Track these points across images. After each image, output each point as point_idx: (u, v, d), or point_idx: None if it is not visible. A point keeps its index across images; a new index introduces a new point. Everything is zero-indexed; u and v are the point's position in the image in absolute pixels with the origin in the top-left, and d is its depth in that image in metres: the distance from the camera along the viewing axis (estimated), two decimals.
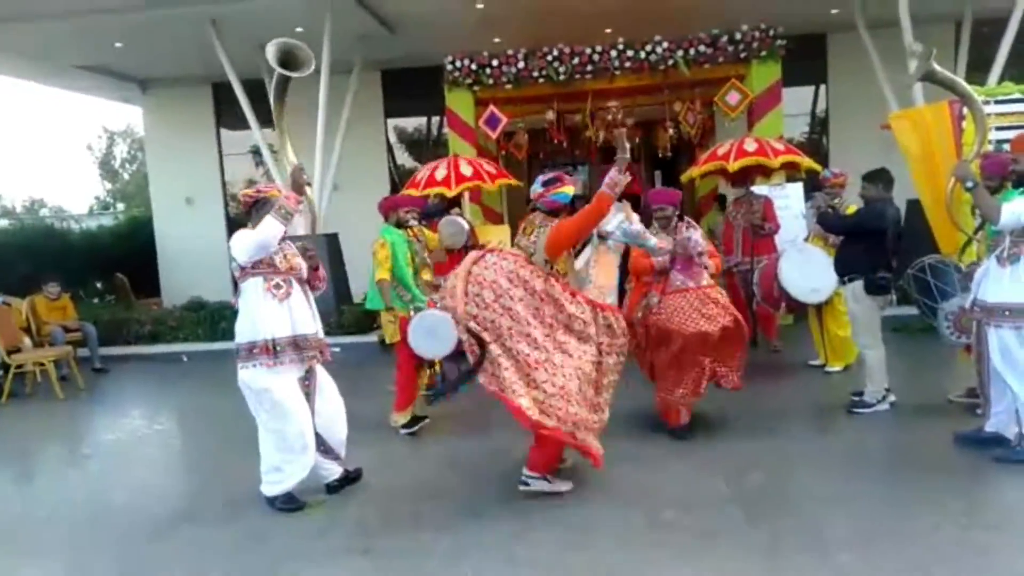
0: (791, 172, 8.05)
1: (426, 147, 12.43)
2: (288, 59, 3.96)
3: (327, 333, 4.45)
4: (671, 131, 9.98)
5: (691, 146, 11.38)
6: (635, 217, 4.34)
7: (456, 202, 8.45)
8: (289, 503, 4.13)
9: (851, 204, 5.95)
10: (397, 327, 5.30)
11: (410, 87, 11.47)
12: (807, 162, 7.61)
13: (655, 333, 4.94)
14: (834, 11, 9.56)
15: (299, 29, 9.19)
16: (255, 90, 9.89)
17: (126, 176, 35.32)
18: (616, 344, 4.06)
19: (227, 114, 11.94)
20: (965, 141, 6.64)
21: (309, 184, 4.11)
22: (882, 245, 5.05)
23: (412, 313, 5.19)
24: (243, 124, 10.28)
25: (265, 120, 10.05)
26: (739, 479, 4.23)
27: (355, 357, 8.11)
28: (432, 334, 5.08)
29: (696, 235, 4.93)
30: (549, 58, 8.96)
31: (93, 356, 8.66)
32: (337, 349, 6.60)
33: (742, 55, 8.81)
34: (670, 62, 8.87)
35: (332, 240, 9.60)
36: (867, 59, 9.18)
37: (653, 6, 8.80)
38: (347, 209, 9.81)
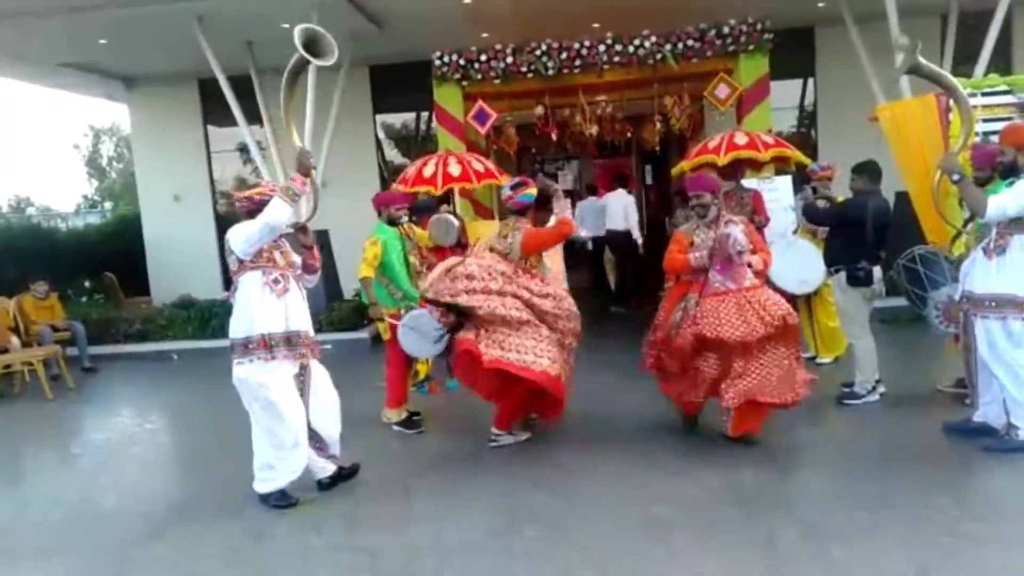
0: (780, 165, 8.07)
1: (415, 143, 12.39)
2: (312, 46, 3.91)
3: (317, 330, 4.43)
4: (660, 125, 9.98)
5: (680, 140, 11.39)
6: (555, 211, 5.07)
7: (447, 198, 8.43)
8: (281, 500, 4.13)
9: (841, 196, 5.98)
10: (387, 324, 5.29)
11: (398, 83, 11.43)
12: (797, 155, 7.63)
13: (693, 342, 4.46)
14: (821, 4, 9.57)
15: (285, 25, 9.13)
16: (242, 86, 9.83)
17: (113, 174, 35.06)
18: (573, 329, 4.76)
19: (214, 111, 11.85)
20: (952, 133, 6.67)
21: (314, 167, 4.08)
22: (862, 237, 5.10)
23: (403, 311, 5.21)
24: (230, 121, 10.20)
25: (252, 117, 10.00)
26: (731, 473, 4.24)
27: (345, 354, 8.09)
28: (419, 332, 5.10)
29: (736, 231, 4.39)
30: (537, 53, 8.93)
31: (82, 355, 8.61)
32: (328, 346, 6.60)
33: (730, 49, 8.81)
34: (658, 56, 8.86)
35: (322, 237, 9.56)
36: (854, 52, 9.21)
37: (641, 0, 8.79)
38: (336, 206, 9.75)
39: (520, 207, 4.84)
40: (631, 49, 8.84)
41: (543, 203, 5.07)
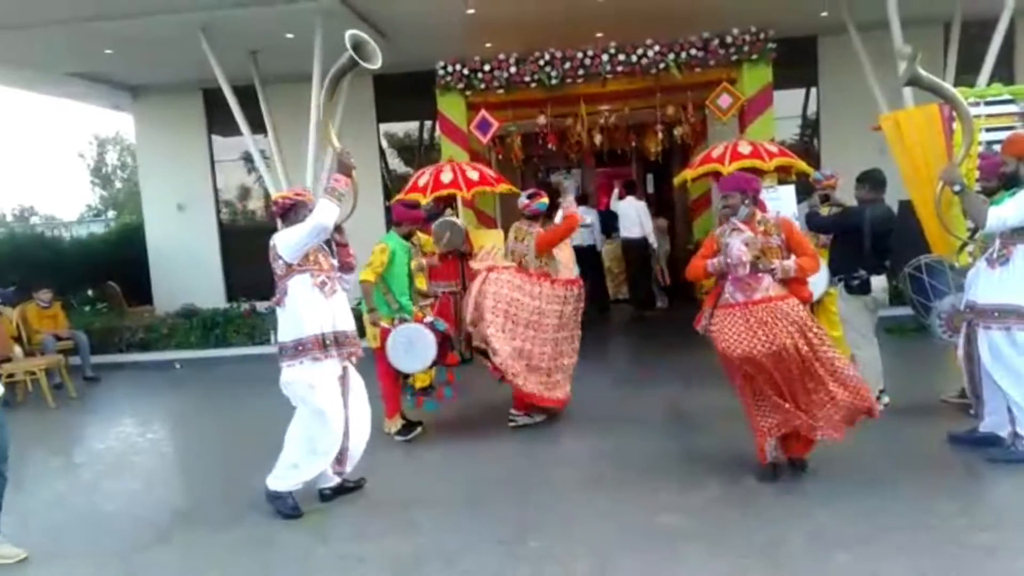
0: (782, 175, 8.08)
1: (418, 152, 12.42)
2: (358, 50, 3.96)
3: None
4: (662, 134, 10.00)
5: (683, 149, 11.41)
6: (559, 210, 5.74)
7: (450, 205, 8.46)
8: (292, 510, 4.12)
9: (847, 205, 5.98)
10: (378, 333, 5.28)
11: (402, 92, 11.45)
12: (800, 164, 7.64)
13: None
14: (824, 14, 9.58)
15: (290, 35, 9.18)
16: (246, 96, 9.86)
17: (118, 183, 35.18)
18: (579, 304, 5.60)
19: (218, 120, 11.88)
20: (955, 142, 6.66)
21: (355, 167, 4.12)
22: (861, 245, 5.10)
23: (396, 322, 5.20)
24: (234, 130, 10.22)
25: (256, 126, 10.03)
26: (736, 481, 4.23)
27: None
28: (410, 348, 5.11)
29: (737, 241, 4.01)
30: (541, 62, 8.97)
31: (85, 364, 8.61)
32: None
33: (733, 58, 8.84)
34: (662, 66, 8.89)
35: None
36: (857, 61, 9.21)
37: (644, 10, 8.81)
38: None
39: (535, 214, 5.61)
40: (634, 59, 8.87)
41: (550, 210, 5.79)
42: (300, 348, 4.01)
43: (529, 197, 5.65)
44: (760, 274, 4.00)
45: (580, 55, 8.91)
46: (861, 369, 5.26)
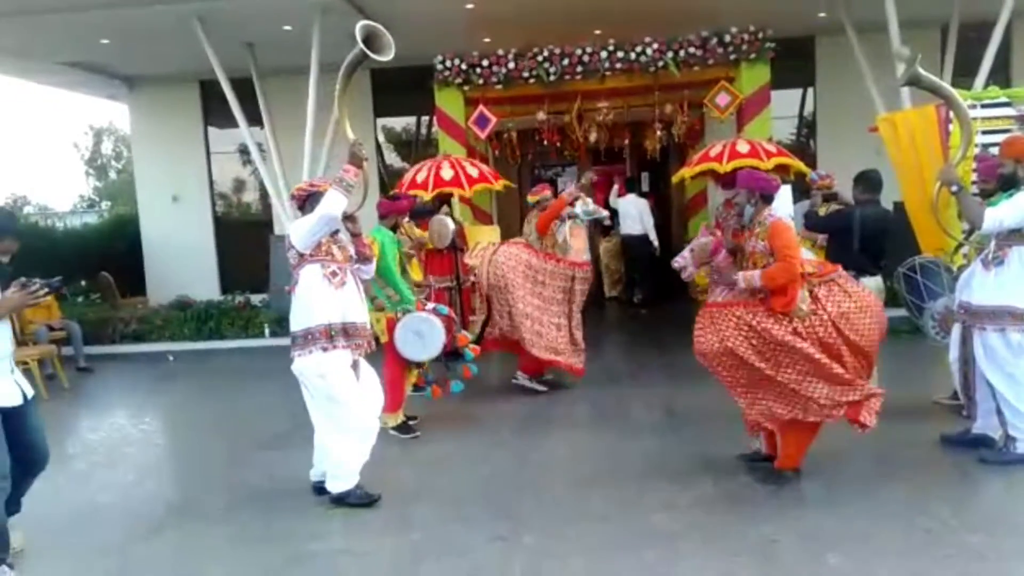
0: (779, 174, 8.08)
1: (416, 147, 12.40)
2: (370, 41, 3.93)
3: None
4: (660, 132, 10.01)
5: (680, 147, 11.42)
6: (579, 202, 6.45)
7: (446, 201, 8.44)
8: (363, 499, 4.12)
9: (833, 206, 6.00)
10: (384, 327, 5.28)
11: (400, 86, 11.43)
12: (798, 164, 7.65)
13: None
14: (822, 14, 9.60)
15: (287, 28, 9.14)
16: (243, 88, 9.82)
17: (112, 174, 35.02)
18: (585, 286, 6.41)
19: (214, 112, 11.84)
20: (952, 144, 6.68)
21: (366, 158, 4.12)
22: (848, 247, 5.11)
23: (400, 314, 5.20)
24: (230, 122, 10.19)
25: (253, 118, 10.00)
26: (729, 481, 4.24)
27: None
28: (419, 337, 5.12)
29: (698, 243, 4.32)
30: (539, 59, 8.96)
31: (78, 355, 8.57)
32: None
33: (731, 57, 8.85)
34: (660, 63, 8.89)
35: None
36: (854, 62, 9.23)
37: (643, 7, 8.81)
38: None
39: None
40: (633, 56, 8.88)
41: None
42: (309, 337, 3.99)
43: (532, 191, 6.73)
44: (725, 280, 4.04)
45: (579, 52, 8.90)
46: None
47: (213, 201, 12.59)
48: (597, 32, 9.39)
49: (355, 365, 4.15)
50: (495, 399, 6.39)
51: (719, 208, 7.74)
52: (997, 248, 4.20)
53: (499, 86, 9.08)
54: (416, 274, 5.84)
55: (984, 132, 6.59)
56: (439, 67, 9.11)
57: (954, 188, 4.34)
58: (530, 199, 6.69)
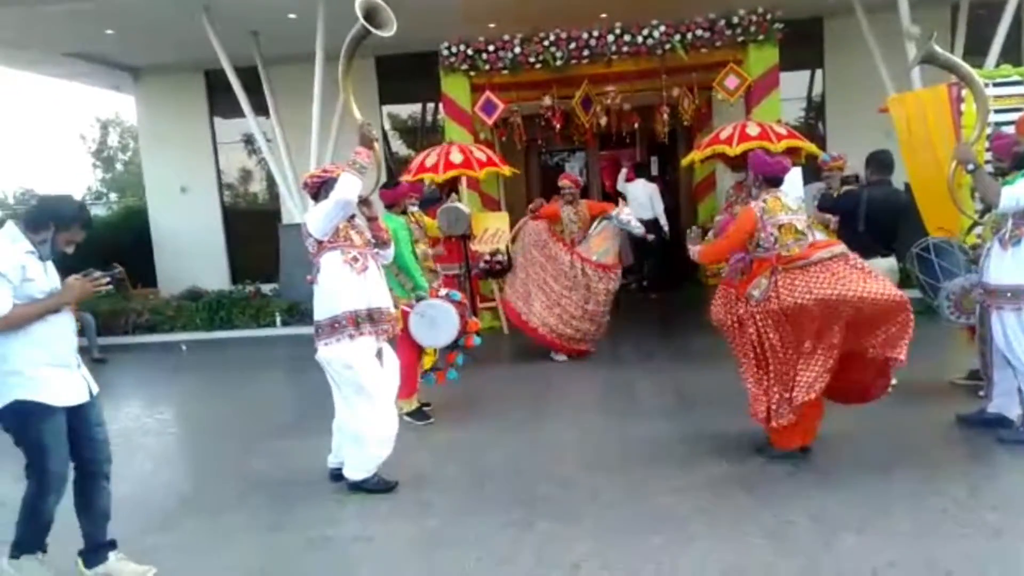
0: (790, 157, 8.03)
1: (421, 134, 12.37)
2: (371, 17, 3.91)
3: None
4: (668, 116, 9.93)
5: (688, 131, 11.34)
6: (627, 210, 6.88)
7: (454, 189, 8.43)
8: (380, 485, 4.13)
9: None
10: (398, 314, 5.27)
11: (405, 73, 11.40)
12: (809, 146, 7.60)
13: None
14: None
15: (292, 15, 9.11)
16: (249, 77, 9.81)
17: (119, 166, 35.07)
18: (605, 281, 6.79)
19: (221, 102, 11.84)
20: (965, 124, 6.61)
21: (377, 139, 4.09)
22: (854, 227, 5.11)
23: (414, 301, 5.20)
24: (236, 112, 10.20)
25: (259, 108, 9.99)
26: (741, 462, 4.24)
27: None
28: (433, 324, 5.13)
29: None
30: (546, 43, 8.89)
31: (92, 346, 8.61)
32: None
33: (739, 39, 8.76)
34: (667, 46, 8.81)
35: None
36: (863, 43, 9.15)
37: None
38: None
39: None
40: (640, 39, 8.80)
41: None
42: (335, 325, 3.95)
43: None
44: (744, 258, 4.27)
45: (585, 35, 8.83)
46: None
47: (221, 192, 12.62)
48: (603, 16, 9.32)
49: (379, 353, 4.13)
50: (506, 385, 6.41)
51: (730, 190, 7.71)
52: (1014, 227, 4.16)
53: (506, 72, 9.03)
54: (428, 260, 5.83)
55: (996, 111, 6.54)
56: (445, 53, 9.05)
57: (970, 167, 4.30)
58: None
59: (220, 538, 3.78)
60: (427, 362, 5.63)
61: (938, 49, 4.43)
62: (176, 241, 12.33)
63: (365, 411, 4.04)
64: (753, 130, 7.38)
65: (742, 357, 4.22)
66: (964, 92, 6.30)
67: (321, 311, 4.02)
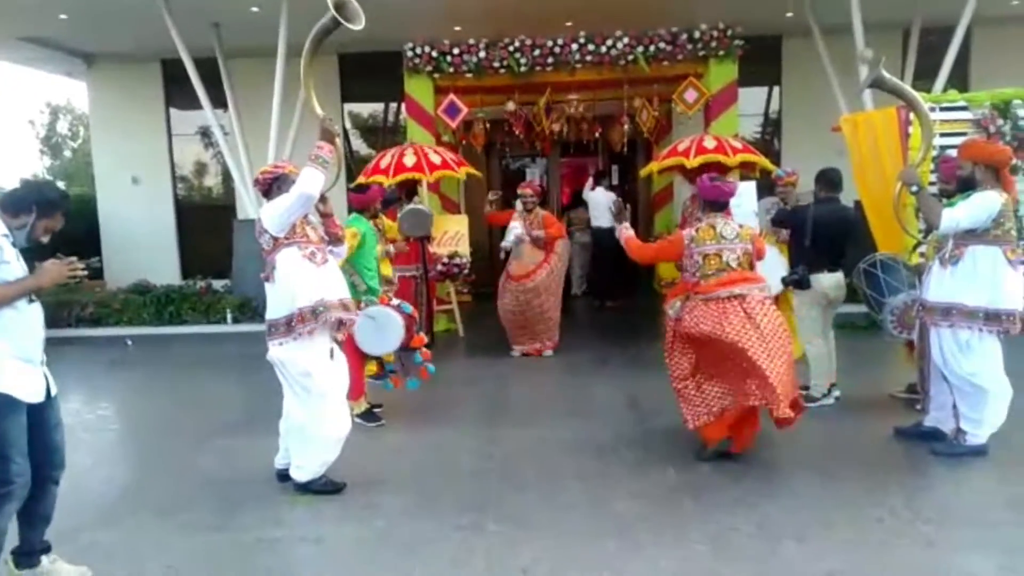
0: (744, 171, 8.21)
1: (383, 134, 12.29)
2: (339, 9, 3.85)
3: None
4: (627, 126, 10.06)
5: (647, 143, 11.50)
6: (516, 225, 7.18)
7: (414, 191, 8.39)
8: (328, 486, 4.08)
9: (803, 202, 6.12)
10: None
11: (368, 72, 11.31)
12: (763, 161, 7.78)
13: None
14: (789, 14, 9.74)
15: (255, 9, 8.98)
16: (208, 69, 9.62)
17: (67, 153, 34.03)
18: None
19: (177, 93, 11.57)
20: (912, 146, 6.83)
21: (338, 134, 4.03)
22: (800, 243, 5.29)
23: (364, 305, 5.14)
24: (193, 104, 9.98)
25: (217, 100, 9.80)
26: (690, 470, 4.31)
27: None
28: (379, 329, 5.07)
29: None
30: (511, 48, 8.94)
31: None
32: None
33: (700, 54, 8.94)
34: (630, 57, 8.95)
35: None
36: (819, 63, 9.39)
37: (614, 1, 8.84)
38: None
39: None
40: (603, 49, 8.91)
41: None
42: (291, 324, 3.87)
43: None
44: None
45: (550, 43, 8.91)
46: (811, 364, 5.43)
47: (175, 184, 12.32)
48: (568, 24, 9.40)
49: (331, 353, 4.08)
50: (460, 388, 6.39)
51: (687, 202, 7.84)
52: (954, 247, 4.32)
53: (470, 75, 9.04)
54: (386, 269, 5.80)
55: (942, 135, 6.77)
56: (409, 54, 9.03)
57: (914, 188, 4.45)
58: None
59: (161, 537, 3.69)
60: (371, 367, 5.58)
61: (886, 74, 4.58)
62: (125, 233, 12.00)
63: (318, 412, 3.98)
64: (710, 143, 7.52)
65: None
66: (912, 115, 6.52)
67: (275, 309, 3.94)
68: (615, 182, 13.34)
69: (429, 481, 4.29)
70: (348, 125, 12.19)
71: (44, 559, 3.23)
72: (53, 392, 3.16)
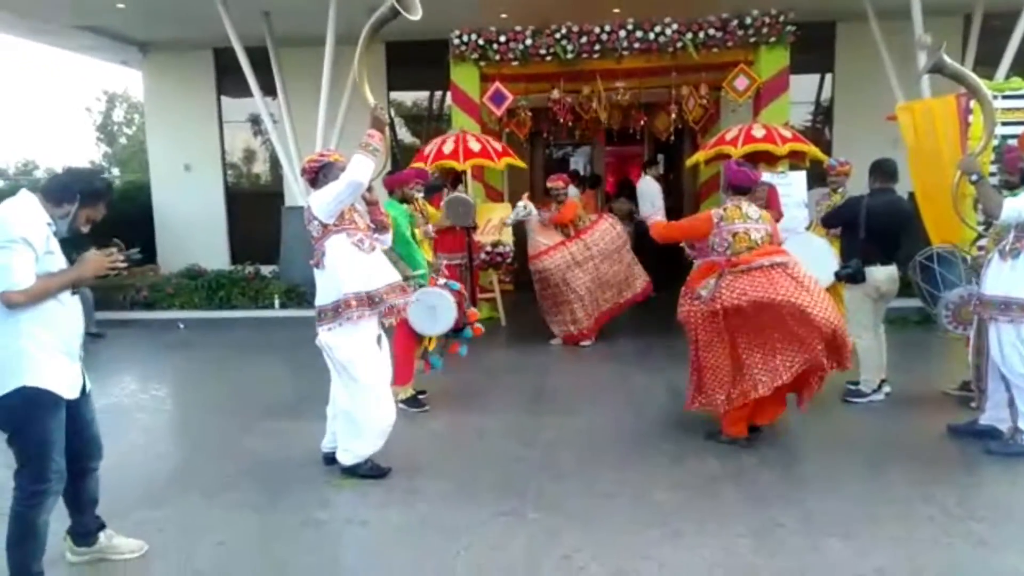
0: (794, 161, 8.03)
1: (428, 122, 12.35)
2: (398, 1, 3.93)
3: None
4: (674, 115, 9.91)
5: (694, 132, 11.33)
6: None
7: (459, 179, 8.42)
8: (374, 471, 4.15)
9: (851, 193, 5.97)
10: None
11: (414, 60, 11.37)
12: (814, 151, 7.59)
13: None
14: None
15: None
16: (258, 57, 9.78)
17: (123, 140, 34.99)
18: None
19: (228, 81, 11.81)
20: (972, 135, 6.61)
21: (388, 123, 4.08)
22: (854, 235, 5.14)
23: (413, 288, 5.19)
24: (244, 92, 10.17)
25: (267, 88, 9.96)
26: (733, 461, 4.27)
27: None
28: (432, 312, 5.13)
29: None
30: (557, 36, 8.87)
31: (89, 321, 8.40)
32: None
33: (751, 40, 8.73)
34: (679, 45, 8.79)
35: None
36: (875, 49, 9.12)
37: None
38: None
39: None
40: (651, 36, 8.77)
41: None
42: (339, 309, 3.92)
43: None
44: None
45: (597, 30, 8.80)
46: (861, 358, 5.31)
47: (225, 171, 12.59)
48: (616, 11, 9.29)
49: (379, 339, 4.12)
50: (502, 376, 6.43)
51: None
52: (1015, 239, 4.17)
53: (516, 63, 9.00)
54: (427, 253, 5.84)
55: (1004, 123, 6.53)
56: (455, 42, 9.03)
57: (974, 177, 4.31)
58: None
59: (210, 516, 3.80)
60: (430, 346, 5.64)
61: (947, 59, 4.43)
62: (177, 219, 12.32)
63: (364, 400, 4.04)
64: (759, 132, 7.37)
65: (694, 349, 4.54)
66: (972, 103, 6.30)
67: (325, 295, 4.00)
68: (661, 171, 13.19)
69: (471, 468, 4.33)
70: (393, 113, 12.28)
71: (101, 535, 3.34)
72: (88, 387, 3.13)
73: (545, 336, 7.49)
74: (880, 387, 5.33)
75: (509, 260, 8.50)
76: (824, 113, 11.51)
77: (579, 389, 6.13)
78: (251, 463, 4.49)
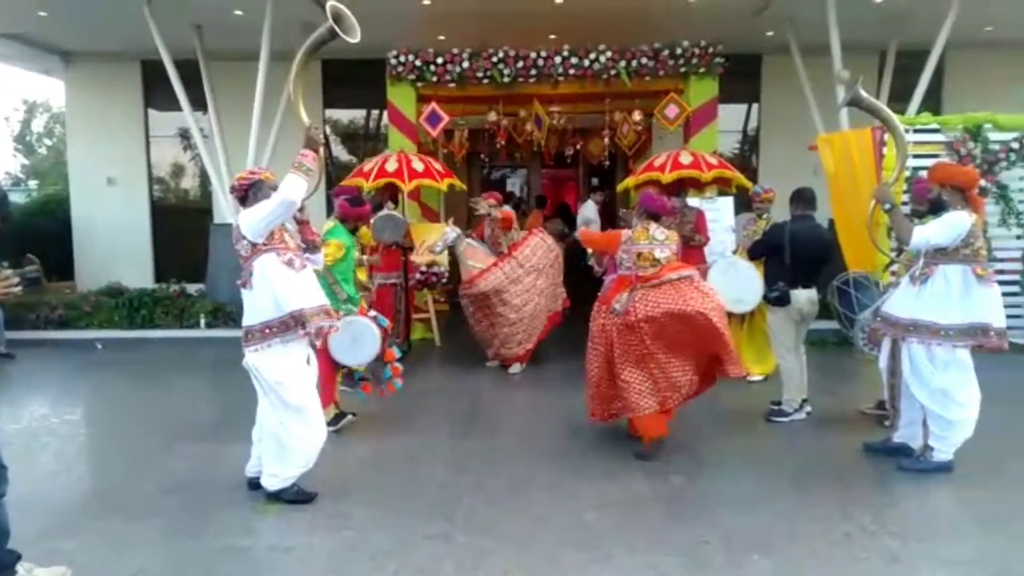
0: (722, 187, 8.30)
1: (365, 140, 12.26)
2: (337, 21, 3.88)
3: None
4: (608, 140, 10.13)
5: (627, 157, 11.60)
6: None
7: (393, 198, 8.38)
8: (299, 496, 4.04)
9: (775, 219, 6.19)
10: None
11: (351, 79, 11.29)
12: (738, 177, 7.86)
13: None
14: (769, 33, 9.89)
15: (238, 12, 8.94)
16: (188, 71, 9.54)
17: (43, 151, 33.54)
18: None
19: (156, 93, 11.47)
20: (886, 166, 6.97)
21: (322, 143, 4.02)
22: (779, 260, 5.33)
23: (343, 314, 5.10)
24: (173, 105, 9.89)
25: (197, 103, 9.72)
26: (660, 481, 4.34)
27: None
28: (355, 341, 5.04)
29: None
30: (494, 60, 8.98)
31: None
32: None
33: (682, 70, 9.03)
34: (612, 72, 9.02)
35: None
36: (798, 82, 9.54)
37: (598, 16, 8.92)
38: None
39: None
40: (586, 63, 8.98)
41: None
42: (268, 331, 3.84)
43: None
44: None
45: (533, 55, 8.96)
46: (783, 379, 5.49)
47: (151, 185, 12.18)
48: (552, 37, 9.47)
49: (308, 359, 4.06)
50: (434, 398, 6.37)
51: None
52: (925, 265, 4.40)
53: (453, 84, 9.06)
54: (361, 275, 5.77)
55: (916, 156, 6.90)
56: (392, 62, 9.03)
57: (887, 206, 4.53)
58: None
59: (128, 543, 3.63)
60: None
61: (863, 93, 4.66)
62: (98, 234, 11.82)
63: (292, 422, 3.95)
64: (686, 159, 7.59)
65: (594, 361, 4.92)
66: (887, 136, 6.65)
67: (252, 315, 3.91)
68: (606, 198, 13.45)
69: (399, 491, 4.27)
70: (329, 131, 12.15)
71: (19, 568, 3.16)
72: None
73: (480, 357, 7.47)
74: (802, 406, 5.51)
75: (444, 280, 8.48)
76: (751, 142, 11.94)
77: (510, 411, 6.13)
78: (173, 488, 4.31)
